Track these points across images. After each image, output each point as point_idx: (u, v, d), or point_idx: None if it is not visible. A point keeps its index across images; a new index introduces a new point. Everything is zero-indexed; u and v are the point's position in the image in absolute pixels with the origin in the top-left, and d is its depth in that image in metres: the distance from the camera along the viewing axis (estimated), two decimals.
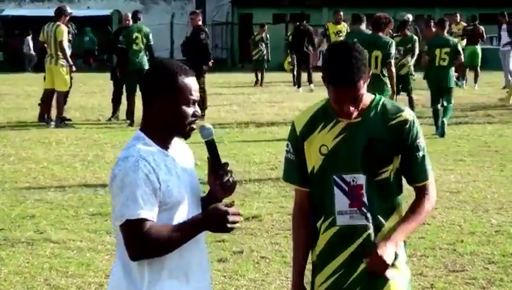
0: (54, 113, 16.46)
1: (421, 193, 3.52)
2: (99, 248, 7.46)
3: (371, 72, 3.43)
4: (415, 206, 3.50)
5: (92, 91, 23.81)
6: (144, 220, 3.07)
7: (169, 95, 3.19)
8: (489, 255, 7.17)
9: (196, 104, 3.26)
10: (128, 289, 3.18)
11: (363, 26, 16.95)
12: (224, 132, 14.99)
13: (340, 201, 3.43)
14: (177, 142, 3.34)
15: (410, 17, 21.19)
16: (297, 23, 25.06)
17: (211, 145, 3.29)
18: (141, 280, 3.17)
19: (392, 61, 11.55)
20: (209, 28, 29.96)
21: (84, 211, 8.84)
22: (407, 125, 3.43)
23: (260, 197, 9.44)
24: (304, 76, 24.06)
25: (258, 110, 18.75)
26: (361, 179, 3.41)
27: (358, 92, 3.32)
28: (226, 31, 41.09)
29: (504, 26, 23.21)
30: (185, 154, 3.35)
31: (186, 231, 3.12)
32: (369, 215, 3.42)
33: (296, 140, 3.52)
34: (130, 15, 17.94)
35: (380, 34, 11.54)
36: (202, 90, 15.99)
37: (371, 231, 3.43)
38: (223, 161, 3.30)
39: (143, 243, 3.08)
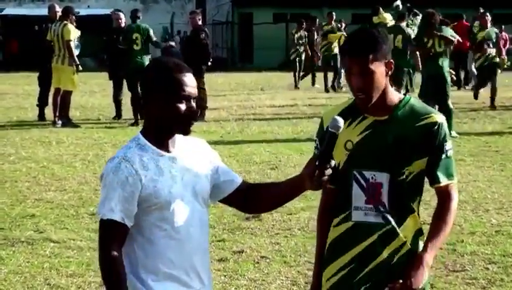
0: (50, 112, 16.45)
1: (444, 196, 3.47)
2: None
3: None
4: (440, 214, 3.45)
5: (92, 90, 23.81)
6: (114, 222, 3.10)
7: (161, 93, 3.16)
8: (490, 255, 7.16)
9: (192, 100, 3.19)
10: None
11: (404, 23, 17.44)
12: (225, 132, 15.00)
13: (357, 196, 3.42)
14: (190, 141, 3.30)
15: (399, 4, 21.17)
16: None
17: (331, 138, 3.16)
18: (138, 279, 3.16)
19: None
20: (209, 27, 29.97)
21: (85, 210, 8.84)
22: (436, 127, 3.40)
23: None
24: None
25: (258, 110, 18.74)
26: (382, 177, 3.39)
27: (367, 66, 3.28)
28: (226, 31, 41.10)
29: None
30: (195, 153, 3.29)
31: None
32: (386, 214, 3.40)
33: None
34: (121, 15, 17.78)
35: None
36: (202, 90, 15.99)
37: (386, 230, 3.40)
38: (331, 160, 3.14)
39: (105, 248, 3.10)
